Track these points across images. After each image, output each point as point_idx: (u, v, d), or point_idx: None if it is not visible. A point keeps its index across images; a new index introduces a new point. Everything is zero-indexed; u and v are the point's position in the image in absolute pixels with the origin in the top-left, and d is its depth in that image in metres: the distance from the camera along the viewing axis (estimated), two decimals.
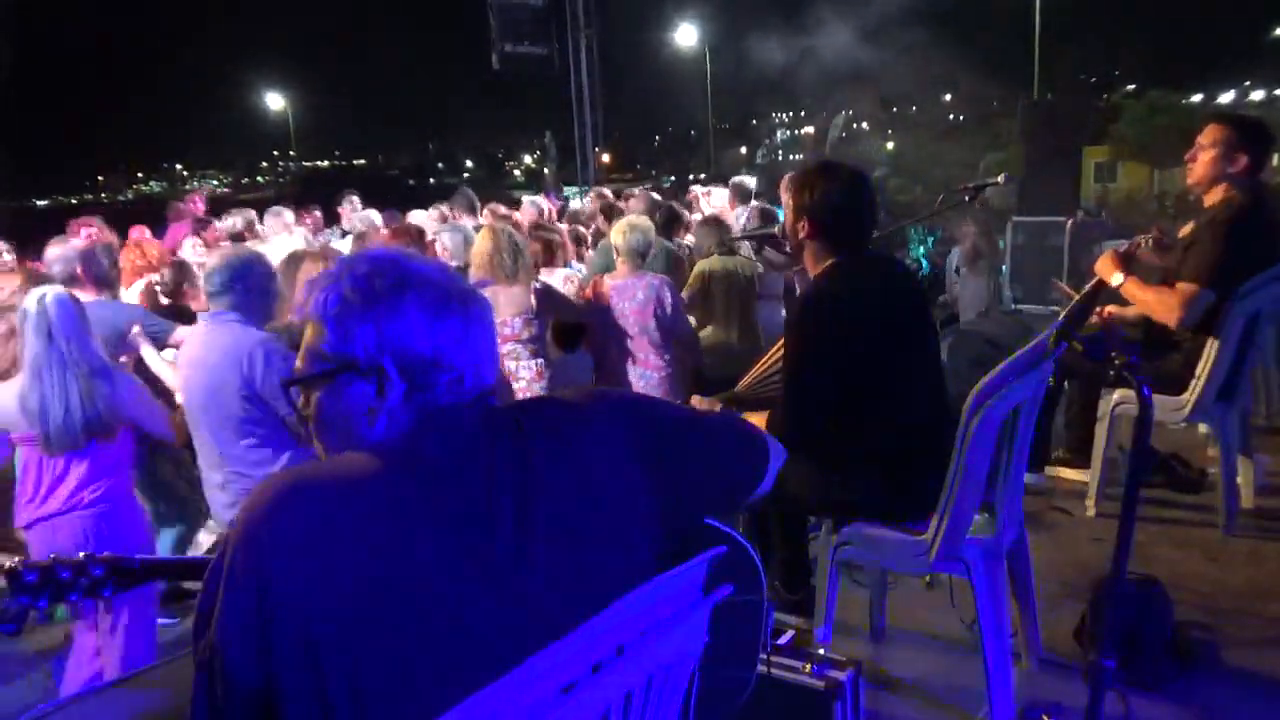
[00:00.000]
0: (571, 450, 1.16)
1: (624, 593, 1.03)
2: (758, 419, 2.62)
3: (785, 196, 2.64)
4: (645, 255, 4.21)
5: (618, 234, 4.20)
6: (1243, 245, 3.29)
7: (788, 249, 3.51)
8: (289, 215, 6.63)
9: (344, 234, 7.05)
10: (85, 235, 5.21)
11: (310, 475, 1.04)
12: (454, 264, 4.65)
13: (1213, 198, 3.43)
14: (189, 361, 2.90)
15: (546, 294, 4.04)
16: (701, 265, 4.84)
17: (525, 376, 3.94)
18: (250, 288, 2.86)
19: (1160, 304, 3.36)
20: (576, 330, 4.32)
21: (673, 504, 1.25)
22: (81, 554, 1.52)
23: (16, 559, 1.48)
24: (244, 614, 0.96)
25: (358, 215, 7.01)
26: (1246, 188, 3.40)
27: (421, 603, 0.99)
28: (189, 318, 4.05)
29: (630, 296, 4.11)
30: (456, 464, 1.08)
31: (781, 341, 2.73)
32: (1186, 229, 3.53)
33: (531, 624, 0.99)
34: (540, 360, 3.98)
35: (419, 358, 1.10)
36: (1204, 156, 3.41)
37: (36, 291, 2.72)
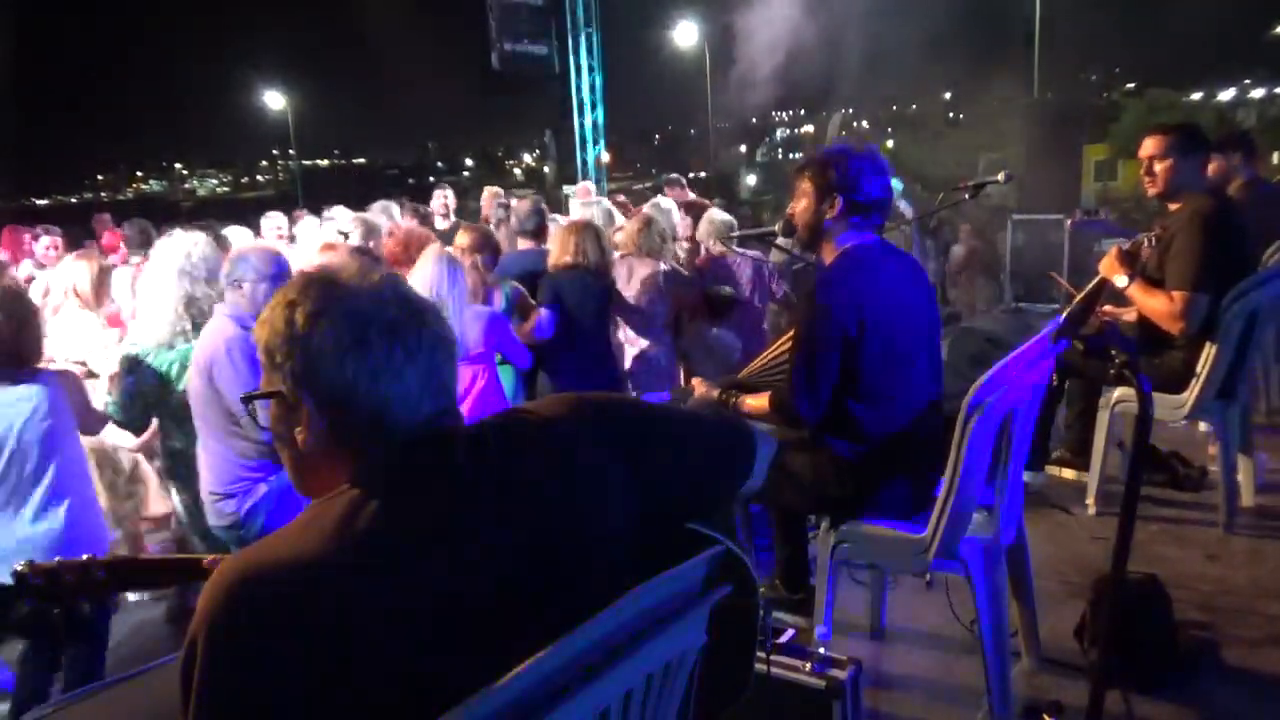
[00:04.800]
0: (543, 461, 1.14)
1: (611, 600, 1.02)
2: (758, 401, 2.62)
3: (803, 181, 2.59)
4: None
5: (708, 221, 5.11)
6: (1220, 242, 3.32)
7: (782, 243, 3.54)
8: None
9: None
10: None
11: (264, 563, 1.00)
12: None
13: (1177, 203, 3.46)
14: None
15: (672, 275, 4.69)
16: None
17: (645, 341, 4.63)
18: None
19: (1163, 313, 3.38)
20: (723, 305, 4.84)
21: (655, 502, 1.23)
22: (85, 556, 1.53)
23: (21, 564, 1.48)
24: (222, 709, 0.96)
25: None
26: (1206, 187, 3.47)
27: (401, 675, 0.97)
28: None
29: (742, 271, 4.91)
30: (410, 515, 1.04)
31: (788, 334, 2.72)
32: (1156, 233, 3.56)
33: (519, 654, 0.95)
34: (656, 333, 4.64)
35: (331, 392, 1.08)
36: (1160, 167, 3.46)
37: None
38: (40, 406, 2.76)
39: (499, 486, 1.10)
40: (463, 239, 4.31)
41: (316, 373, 1.08)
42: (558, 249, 4.41)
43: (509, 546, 1.07)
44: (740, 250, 5.02)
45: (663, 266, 4.62)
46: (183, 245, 3.25)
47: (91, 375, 3.76)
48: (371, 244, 5.58)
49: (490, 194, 7.92)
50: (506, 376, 4.05)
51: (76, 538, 2.84)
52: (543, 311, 4.21)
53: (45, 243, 6.21)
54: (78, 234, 7.95)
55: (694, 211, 6.15)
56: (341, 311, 1.09)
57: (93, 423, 3.11)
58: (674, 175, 8.63)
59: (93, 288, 4.11)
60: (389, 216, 6.38)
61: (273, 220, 6.68)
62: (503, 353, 3.83)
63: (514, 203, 6.70)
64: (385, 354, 1.08)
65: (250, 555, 1.02)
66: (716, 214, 5.39)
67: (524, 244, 5.13)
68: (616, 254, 4.82)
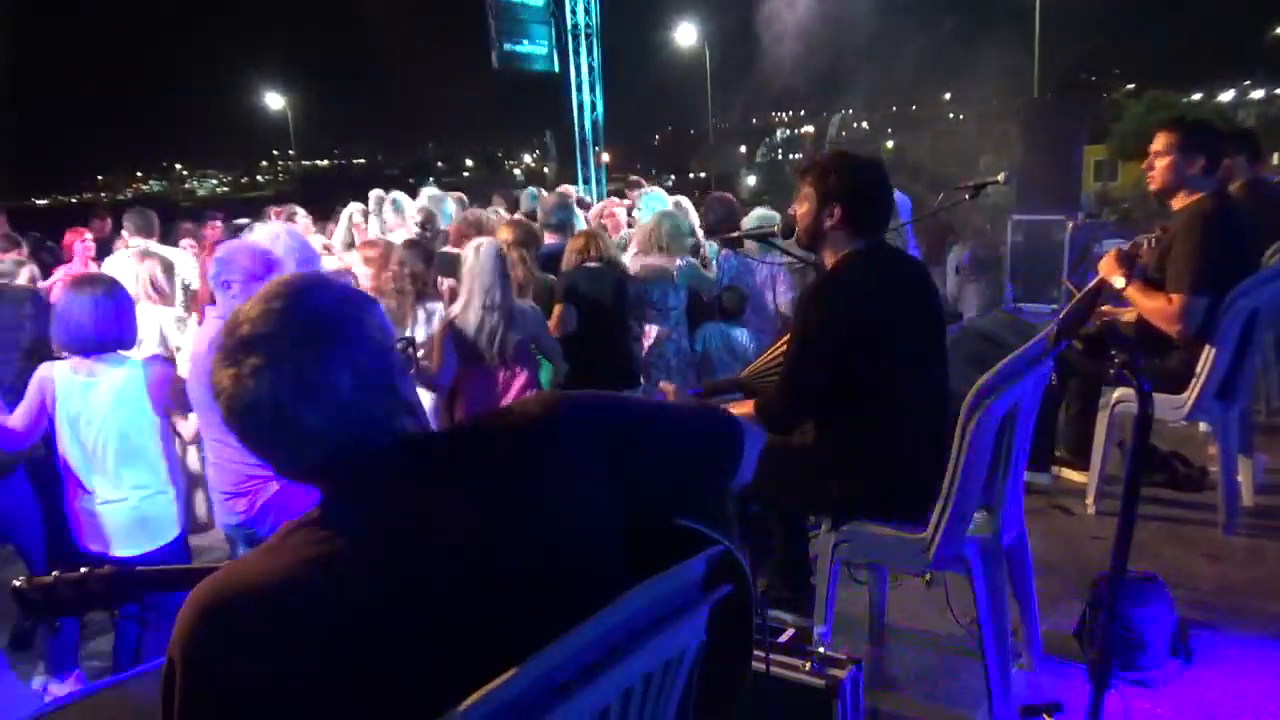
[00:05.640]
0: (521, 463, 1.12)
1: (602, 599, 1.01)
2: (741, 409, 2.62)
3: (805, 185, 2.60)
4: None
5: (747, 220, 5.14)
6: (1221, 244, 3.32)
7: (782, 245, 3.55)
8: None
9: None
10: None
11: (234, 586, 0.99)
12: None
13: (1180, 202, 3.46)
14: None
15: (688, 270, 4.75)
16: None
17: (658, 334, 4.69)
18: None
19: (1161, 314, 3.38)
20: (735, 303, 4.98)
21: (640, 500, 1.21)
22: (82, 569, 1.53)
23: (21, 579, 1.47)
24: None
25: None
26: (1210, 187, 3.45)
27: (376, 691, 0.97)
28: None
29: (752, 272, 4.97)
30: (378, 532, 1.03)
31: (785, 337, 2.73)
32: (1158, 233, 3.58)
33: (508, 658, 0.93)
34: (667, 325, 4.69)
35: (272, 418, 1.04)
36: (1160, 163, 3.46)
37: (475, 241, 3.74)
38: (136, 390, 2.93)
39: (473, 492, 1.08)
40: (506, 234, 4.37)
41: (246, 421, 1.06)
42: (567, 255, 4.50)
43: (485, 553, 1.05)
44: (759, 258, 5.06)
45: (679, 262, 4.70)
46: (267, 239, 3.31)
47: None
48: (428, 232, 5.80)
49: (427, 195, 7.84)
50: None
51: (158, 517, 3.00)
52: (563, 306, 4.29)
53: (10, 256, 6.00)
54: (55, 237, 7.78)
55: (723, 207, 6.17)
56: (265, 336, 1.04)
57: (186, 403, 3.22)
58: (635, 178, 9.32)
59: (166, 282, 4.27)
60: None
61: (242, 223, 6.67)
62: (539, 349, 3.89)
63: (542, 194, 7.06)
64: (294, 376, 1.03)
65: (222, 577, 1.02)
66: (759, 211, 5.50)
67: (551, 238, 5.20)
68: (633, 250, 4.90)
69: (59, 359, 2.97)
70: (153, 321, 4.04)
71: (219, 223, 7.71)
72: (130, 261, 4.35)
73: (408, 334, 4.15)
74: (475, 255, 3.67)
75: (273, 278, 1.18)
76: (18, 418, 2.92)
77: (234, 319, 1.07)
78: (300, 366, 1.03)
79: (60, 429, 2.92)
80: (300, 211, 7.31)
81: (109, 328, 2.88)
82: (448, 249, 5.24)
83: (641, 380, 4.67)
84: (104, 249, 6.51)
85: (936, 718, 2.57)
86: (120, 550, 2.94)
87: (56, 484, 3.03)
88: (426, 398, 3.86)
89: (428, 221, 5.94)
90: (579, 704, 0.96)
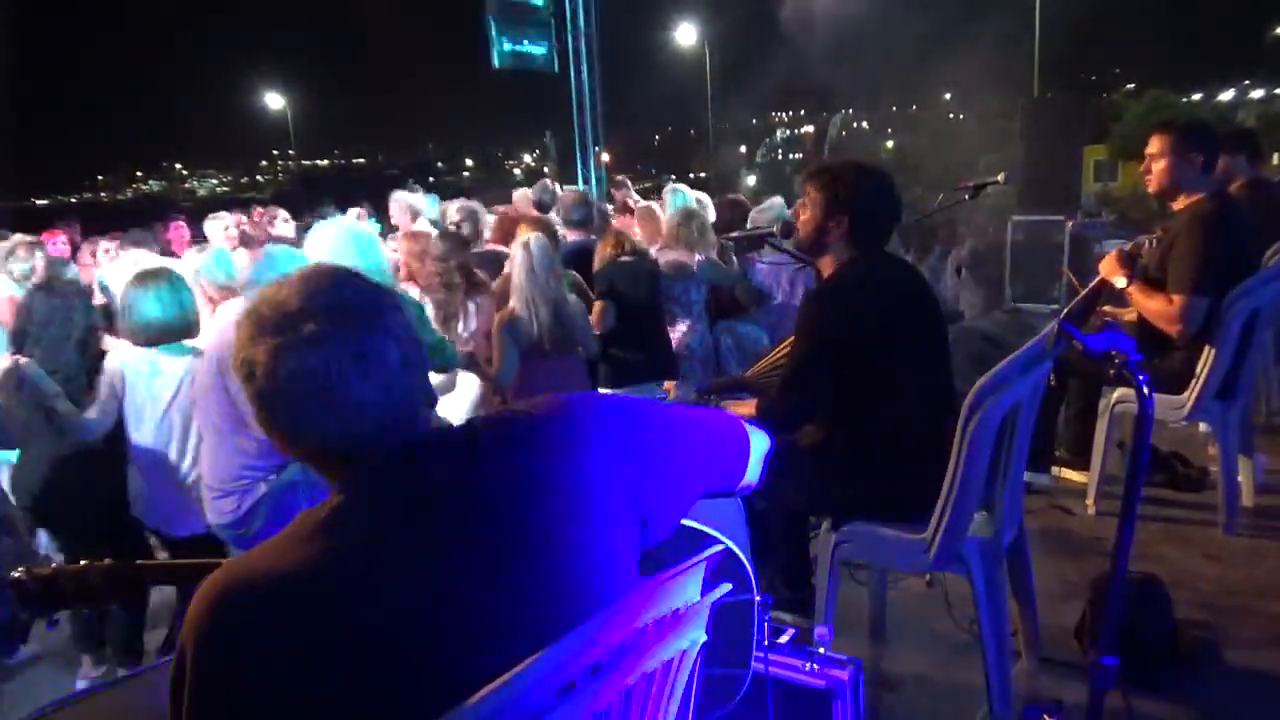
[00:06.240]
0: (535, 462, 1.13)
1: (607, 599, 1.01)
2: (743, 408, 2.63)
3: (812, 190, 2.61)
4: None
5: (758, 215, 5.27)
6: (1221, 244, 3.32)
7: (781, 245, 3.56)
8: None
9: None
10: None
11: (246, 575, 1.00)
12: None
13: (1180, 203, 3.47)
14: None
15: (708, 266, 4.85)
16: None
17: (681, 329, 4.75)
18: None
19: (1162, 315, 3.38)
20: (749, 300, 5.07)
21: (650, 502, 1.22)
22: (82, 562, 1.53)
23: (20, 570, 1.47)
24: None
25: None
26: (1210, 187, 3.46)
27: (391, 676, 0.97)
28: None
29: (778, 275, 5.02)
30: (393, 527, 1.04)
31: (790, 338, 2.73)
32: (1159, 234, 3.59)
33: (515, 654, 0.94)
34: (689, 321, 4.77)
35: (321, 384, 1.04)
36: (1157, 166, 3.47)
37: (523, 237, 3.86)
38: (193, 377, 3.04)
39: (490, 488, 1.09)
40: (527, 230, 4.38)
41: (272, 416, 1.06)
42: (599, 253, 4.57)
43: (500, 549, 1.06)
44: (774, 260, 5.09)
45: (698, 257, 4.78)
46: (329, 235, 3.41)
47: None
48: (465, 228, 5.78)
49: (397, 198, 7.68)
50: None
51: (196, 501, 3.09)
52: (604, 303, 4.34)
53: None
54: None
55: (734, 209, 6.16)
56: (285, 327, 1.04)
57: None
58: (620, 177, 9.69)
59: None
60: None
61: (220, 221, 6.49)
62: (580, 343, 3.97)
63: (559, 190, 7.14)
64: (324, 372, 1.03)
65: (234, 567, 1.03)
66: (774, 204, 5.53)
67: (572, 235, 5.23)
68: (655, 246, 4.98)
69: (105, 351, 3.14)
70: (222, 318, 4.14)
71: (183, 223, 7.77)
72: (191, 256, 4.46)
73: (460, 328, 4.19)
74: (527, 250, 3.75)
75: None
76: (94, 412, 3.10)
77: (274, 296, 1.07)
78: (353, 336, 1.05)
79: (128, 417, 3.08)
80: (282, 213, 7.28)
81: (172, 319, 3.05)
82: (491, 246, 5.27)
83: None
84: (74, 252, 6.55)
85: (936, 718, 2.58)
86: (177, 530, 3.12)
87: (114, 470, 3.19)
88: (472, 388, 3.91)
89: (467, 220, 5.94)
90: (580, 703, 0.96)
